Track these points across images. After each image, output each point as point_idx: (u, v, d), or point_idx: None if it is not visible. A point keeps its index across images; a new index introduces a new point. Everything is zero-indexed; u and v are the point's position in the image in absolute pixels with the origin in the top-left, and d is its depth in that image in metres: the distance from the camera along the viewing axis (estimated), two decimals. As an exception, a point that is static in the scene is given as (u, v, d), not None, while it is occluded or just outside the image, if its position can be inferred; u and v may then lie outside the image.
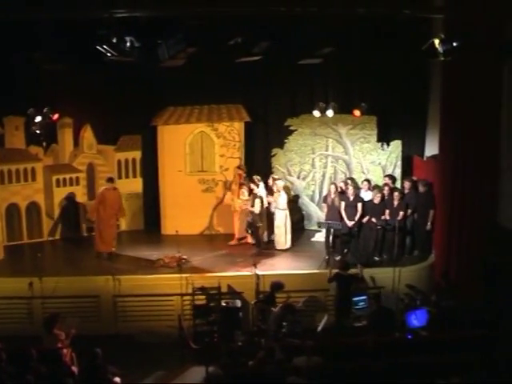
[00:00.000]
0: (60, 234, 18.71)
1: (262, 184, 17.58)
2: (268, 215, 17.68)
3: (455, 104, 15.21)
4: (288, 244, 17.40)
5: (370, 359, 11.04)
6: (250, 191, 17.36)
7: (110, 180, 17.14)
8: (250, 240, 17.68)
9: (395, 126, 18.64)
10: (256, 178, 17.66)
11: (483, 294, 14.96)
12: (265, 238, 17.74)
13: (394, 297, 14.84)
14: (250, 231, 17.52)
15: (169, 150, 18.75)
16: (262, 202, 17.19)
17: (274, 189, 17.46)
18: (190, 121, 18.65)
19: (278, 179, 17.72)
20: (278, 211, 17.31)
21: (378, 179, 18.22)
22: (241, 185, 17.72)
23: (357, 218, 16.55)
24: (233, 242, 17.96)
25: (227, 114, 18.79)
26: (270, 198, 17.47)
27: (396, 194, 16.52)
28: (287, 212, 17.40)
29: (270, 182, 17.83)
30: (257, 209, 17.06)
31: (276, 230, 17.37)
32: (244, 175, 17.95)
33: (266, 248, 17.32)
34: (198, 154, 18.85)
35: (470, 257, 15.48)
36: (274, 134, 19.38)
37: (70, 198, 18.68)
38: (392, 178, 17.66)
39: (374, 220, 16.47)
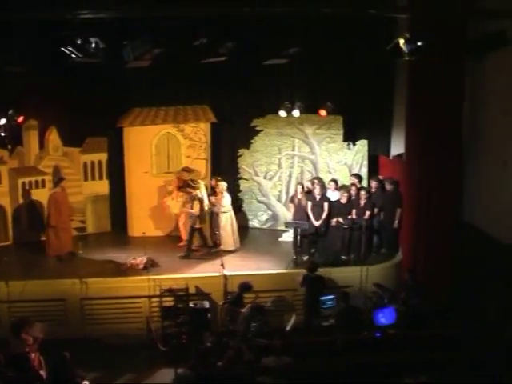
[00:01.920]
0: (16, 237, 18.41)
1: (202, 185, 17.49)
2: (211, 217, 17.71)
3: (420, 103, 15.29)
4: (236, 245, 17.38)
5: (339, 358, 11.17)
6: (189, 193, 17.25)
7: (60, 180, 16.98)
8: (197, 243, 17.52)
9: (361, 125, 18.75)
10: (194, 180, 17.55)
11: (450, 291, 15.14)
12: (209, 240, 17.68)
13: (362, 295, 14.90)
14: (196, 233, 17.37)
15: (135, 152, 18.67)
16: (201, 203, 17.13)
17: (217, 190, 17.42)
18: (156, 122, 18.59)
19: (221, 180, 17.55)
20: (223, 212, 17.26)
21: (345, 179, 18.25)
22: (180, 188, 17.55)
23: (323, 218, 16.56)
24: (182, 244, 17.78)
25: (193, 115, 18.76)
26: (214, 200, 17.41)
27: (363, 193, 16.56)
28: (232, 213, 17.38)
29: (213, 183, 17.76)
30: (195, 211, 17.02)
31: (222, 232, 17.28)
32: (188, 177, 17.68)
33: (206, 250, 17.29)
34: (164, 155, 18.80)
35: (437, 254, 15.60)
36: (240, 135, 19.46)
37: (27, 200, 18.43)
38: (358, 177, 17.64)
39: (340, 220, 16.49)
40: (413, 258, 15.98)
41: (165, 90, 17.94)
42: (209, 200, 17.36)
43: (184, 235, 17.78)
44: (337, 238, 16.66)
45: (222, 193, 17.27)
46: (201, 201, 17.11)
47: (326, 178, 18.12)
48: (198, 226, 17.07)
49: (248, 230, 19.62)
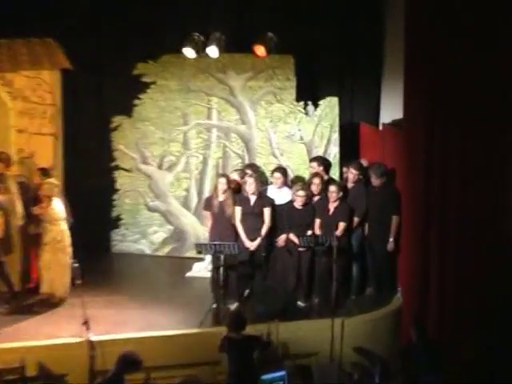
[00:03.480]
0: None
1: (13, 185, 16.25)
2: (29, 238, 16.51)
3: (429, 36, 14.72)
4: (65, 289, 15.88)
5: None
6: None
7: None
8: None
9: (327, 72, 18.58)
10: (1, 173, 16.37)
11: (484, 357, 14.41)
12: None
13: (335, 369, 14.04)
14: None
15: None
16: (6, 217, 15.92)
17: (42, 193, 16.17)
18: (-37, 70, 17.83)
19: (48, 174, 16.65)
20: (47, 230, 15.86)
21: (301, 166, 18.22)
22: None
23: (263, 235, 15.53)
24: None
25: (29, 57, 17.24)
26: (37, 209, 16.19)
27: (332, 189, 15.68)
28: (66, 232, 15.91)
29: (38, 179, 16.83)
30: None
31: (41, 264, 16.01)
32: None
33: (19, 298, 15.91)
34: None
35: (463, 295, 14.79)
36: (115, 92, 19.04)
37: None
38: (324, 162, 16.80)
39: (293, 238, 15.53)
40: (421, 303, 15.20)
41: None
42: (30, 211, 16.17)
43: None
44: (288, 268, 15.77)
45: (49, 197, 15.87)
46: (7, 213, 15.82)
47: (269, 165, 18.13)
48: (3, 258, 15.79)
49: (132, 258, 19.53)
